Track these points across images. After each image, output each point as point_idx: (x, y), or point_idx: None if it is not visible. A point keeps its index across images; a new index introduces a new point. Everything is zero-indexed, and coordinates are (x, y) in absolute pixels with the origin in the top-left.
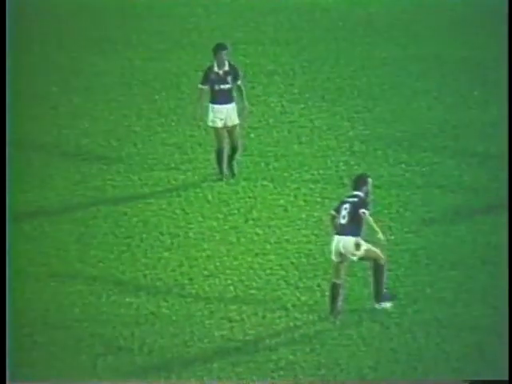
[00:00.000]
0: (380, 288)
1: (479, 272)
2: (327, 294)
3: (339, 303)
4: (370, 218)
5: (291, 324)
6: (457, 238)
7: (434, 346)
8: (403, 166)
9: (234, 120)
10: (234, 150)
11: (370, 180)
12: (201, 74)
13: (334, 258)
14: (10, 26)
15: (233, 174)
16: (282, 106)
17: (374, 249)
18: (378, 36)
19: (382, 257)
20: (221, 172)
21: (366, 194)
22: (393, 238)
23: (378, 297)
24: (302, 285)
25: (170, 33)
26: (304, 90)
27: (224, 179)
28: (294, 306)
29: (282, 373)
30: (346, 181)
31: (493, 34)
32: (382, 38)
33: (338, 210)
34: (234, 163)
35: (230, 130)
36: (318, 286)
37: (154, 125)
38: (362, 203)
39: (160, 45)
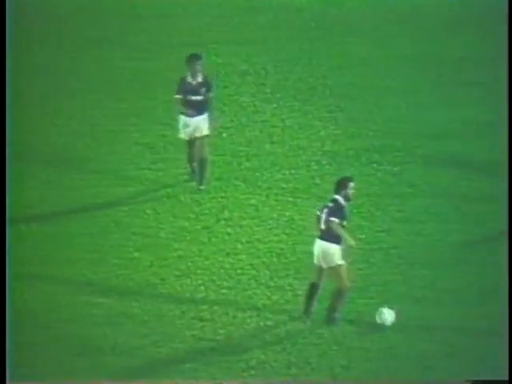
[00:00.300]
0: (331, 312)
1: (450, 271)
2: (299, 293)
3: (314, 303)
4: (338, 227)
5: (262, 323)
6: (428, 237)
7: (406, 344)
8: (375, 165)
9: (203, 131)
10: (202, 161)
11: (351, 184)
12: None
13: (315, 261)
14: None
15: (201, 189)
16: (254, 105)
17: (342, 272)
18: (352, 36)
19: (347, 284)
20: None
21: (346, 197)
22: (364, 237)
23: (328, 318)
24: (273, 284)
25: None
26: (276, 90)
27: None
28: (264, 305)
29: (252, 372)
30: (317, 180)
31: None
32: (356, 38)
33: (321, 211)
34: (205, 177)
35: (199, 141)
36: (290, 285)
37: (128, 124)
38: (336, 209)
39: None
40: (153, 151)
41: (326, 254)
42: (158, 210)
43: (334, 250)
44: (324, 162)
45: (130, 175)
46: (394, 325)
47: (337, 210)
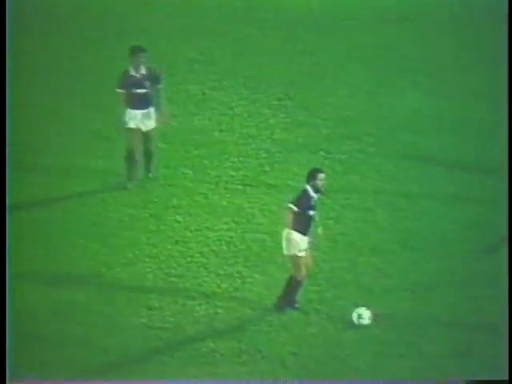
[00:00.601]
0: (285, 298)
1: (398, 257)
2: (248, 280)
3: (293, 295)
4: (290, 213)
5: (212, 311)
6: (376, 224)
7: (352, 330)
8: (322, 153)
9: (149, 125)
10: (149, 155)
11: (320, 175)
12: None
13: (284, 251)
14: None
15: (150, 177)
16: (203, 93)
17: (300, 263)
18: (302, 24)
19: (302, 275)
20: (129, 177)
21: (314, 188)
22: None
23: (277, 306)
24: (222, 272)
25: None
26: (224, 78)
27: (128, 186)
28: (214, 293)
29: (202, 360)
30: (266, 168)
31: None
32: (306, 26)
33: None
34: (153, 169)
35: (145, 135)
36: (239, 273)
37: (77, 113)
38: (301, 198)
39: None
40: (102, 140)
41: (287, 241)
42: (106, 198)
43: (296, 238)
44: (273, 150)
45: (77, 164)
46: (341, 312)
47: (302, 199)
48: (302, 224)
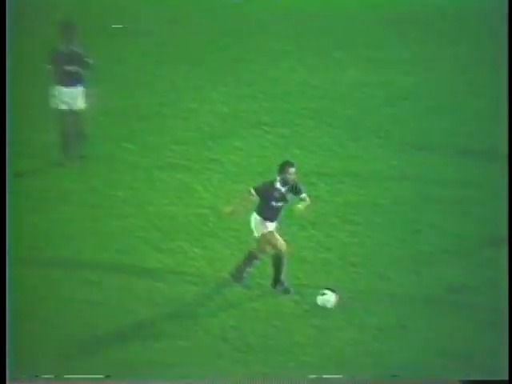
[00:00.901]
0: (277, 276)
1: (339, 231)
2: (190, 255)
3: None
4: (241, 195)
5: (153, 286)
6: (317, 198)
7: (293, 303)
8: (265, 127)
9: (80, 104)
10: (80, 136)
11: (291, 169)
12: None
13: (254, 234)
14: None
15: (82, 156)
16: (144, 66)
17: (269, 239)
18: None
19: (261, 253)
20: (66, 157)
21: (284, 181)
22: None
23: (275, 283)
24: (164, 247)
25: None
26: (165, 51)
27: (67, 165)
28: (155, 268)
29: (143, 332)
30: (209, 143)
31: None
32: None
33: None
34: (86, 148)
35: (76, 115)
36: (180, 247)
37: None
38: (264, 186)
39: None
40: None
41: (255, 225)
42: (46, 173)
43: (263, 223)
44: (215, 124)
45: (24, 137)
46: (282, 285)
47: (265, 189)
48: (268, 213)
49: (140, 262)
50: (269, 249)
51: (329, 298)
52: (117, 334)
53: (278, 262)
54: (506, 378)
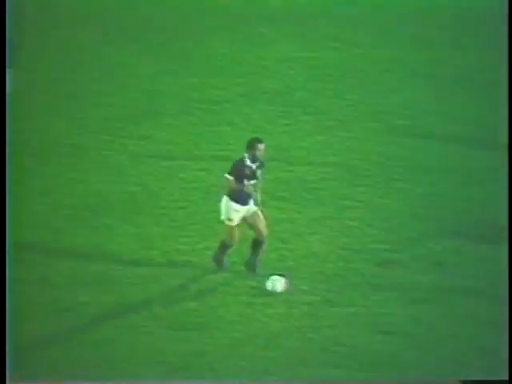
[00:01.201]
0: (253, 259)
1: (268, 207)
2: (116, 232)
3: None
4: (227, 182)
5: (79, 265)
6: None
7: (222, 279)
8: (194, 104)
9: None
10: None
11: (260, 145)
12: None
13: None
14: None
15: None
16: (75, 42)
17: (227, 230)
18: None
19: (231, 240)
20: None
21: (253, 158)
22: (184, 176)
23: (249, 265)
24: (91, 225)
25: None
26: (92, 25)
27: None
28: (82, 245)
29: (67, 314)
30: (136, 118)
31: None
32: None
33: None
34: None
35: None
36: (109, 225)
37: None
38: (235, 166)
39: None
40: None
41: (223, 208)
42: None
43: (230, 207)
44: (143, 100)
45: None
46: (212, 262)
47: (237, 168)
48: (239, 194)
49: (65, 240)
50: (234, 239)
51: (277, 283)
52: (41, 312)
53: (257, 246)
54: (506, 377)
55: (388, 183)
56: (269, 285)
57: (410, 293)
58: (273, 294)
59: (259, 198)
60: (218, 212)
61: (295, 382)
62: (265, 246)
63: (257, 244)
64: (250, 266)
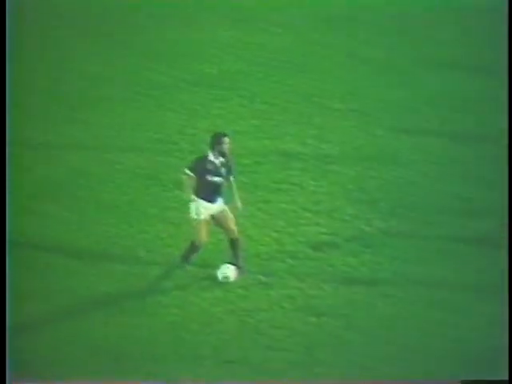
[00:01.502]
0: (236, 260)
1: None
2: (59, 219)
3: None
4: (186, 181)
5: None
6: (180, 159)
7: (156, 269)
8: (136, 88)
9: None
10: None
11: (224, 139)
12: None
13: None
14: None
15: None
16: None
17: (196, 227)
18: None
19: (200, 239)
20: None
21: (219, 152)
22: (124, 161)
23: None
24: (32, 209)
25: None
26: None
27: None
28: (24, 231)
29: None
30: (79, 105)
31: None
32: None
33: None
34: None
35: None
36: (47, 211)
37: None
38: (196, 163)
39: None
40: None
41: (191, 206)
42: None
43: (198, 204)
44: (85, 86)
45: None
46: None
47: (198, 165)
48: (205, 191)
49: (16, 227)
50: (203, 237)
51: (229, 272)
52: None
53: (233, 245)
54: (506, 378)
55: (322, 166)
56: (220, 275)
57: (343, 275)
58: (210, 278)
59: (236, 195)
60: (160, 199)
61: (296, 382)
62: (242, 244)
63: (233, 243)
64: (236, 265)
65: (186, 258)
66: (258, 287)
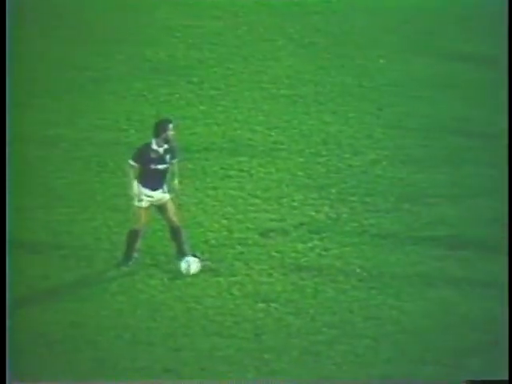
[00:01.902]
0: (178, 247)
1: None
2: None
3: (135, 250)
4: (129, 170)
5: None
6: (129, 144)
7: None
8: (74, 72)
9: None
10: None
11: (169, 125)
12: None
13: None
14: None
15: None
16: None
17: (138, 213)
18: None
19: (140, 224)
20: None
21: (164, 139)
22: (65, 145)
23: (180, 255)
24: None
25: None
26: None
27: None
28: None
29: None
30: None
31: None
32: None
33: None
34: None
35: None
36: None
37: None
38: (139, 151)
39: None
40: None
41: (134, 190)
42: None
43: (138, 189)
44: (23, 67)
45: None
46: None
47: (141, 153)
48: (149, 179)
49: None
50: (142, 222)
51: (192, 264)
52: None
53: (174, 234)
54: (506, 378)
55: (270, 153)
56: (183, 266)
57: (292, 262)
58: (157, 265)
59: (177, 183)
60: (99, 182)
61: (296, 382)
62: (184, 232)
63: (173, 232)
64: (181, 255)
65: (129, 251)
66: (207, 274)
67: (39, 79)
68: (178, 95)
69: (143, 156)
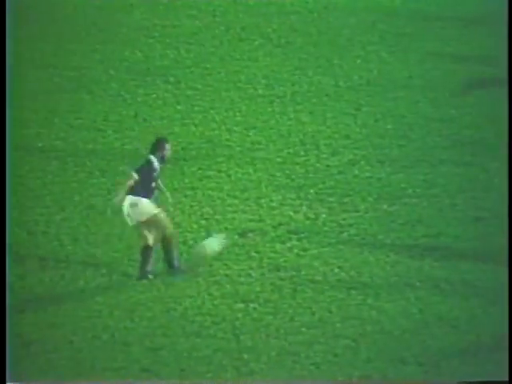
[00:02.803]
0: (172, 260)
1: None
2: None
3: (149, 265)
4: (130, 182)
5: None
6: (108, 145)
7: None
8: (51, 70)
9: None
10: None
11: (167, 145)
12: None
13: (129, 222)
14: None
15: None
16: None
17: (162, 220)
18: None
19: (171, 229)
20: None
21: (162, 159)
22: (41, 145)
23: (170, 268)
24: None
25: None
26: None
27: None
28: None
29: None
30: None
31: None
32: None
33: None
34: None
35: None
36: None
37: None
38: (143, 167)
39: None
40: None
41: (133, 209)
42: None
43: (143, 202)
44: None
45: None
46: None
47: (145, 170)
48: (145, 192)
49: None
50: (171, 227)
51: (215, 242)
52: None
53: (166, 245)
54: (506, 378)
55: (248, 153)
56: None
57: (271, 262)
58: (136, 265)
59: (169, 196)
60: (76, 182)
61: (297, 382)
62: (175, 240)
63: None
64: (169, 264)
65: (144, 266)
66: (186, 274)
67: (14, 79)
68: (155, 95)
69: (146, 173)
